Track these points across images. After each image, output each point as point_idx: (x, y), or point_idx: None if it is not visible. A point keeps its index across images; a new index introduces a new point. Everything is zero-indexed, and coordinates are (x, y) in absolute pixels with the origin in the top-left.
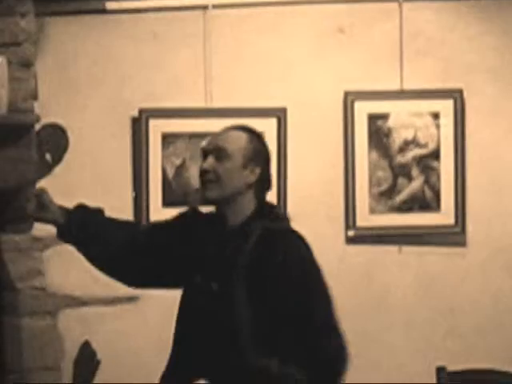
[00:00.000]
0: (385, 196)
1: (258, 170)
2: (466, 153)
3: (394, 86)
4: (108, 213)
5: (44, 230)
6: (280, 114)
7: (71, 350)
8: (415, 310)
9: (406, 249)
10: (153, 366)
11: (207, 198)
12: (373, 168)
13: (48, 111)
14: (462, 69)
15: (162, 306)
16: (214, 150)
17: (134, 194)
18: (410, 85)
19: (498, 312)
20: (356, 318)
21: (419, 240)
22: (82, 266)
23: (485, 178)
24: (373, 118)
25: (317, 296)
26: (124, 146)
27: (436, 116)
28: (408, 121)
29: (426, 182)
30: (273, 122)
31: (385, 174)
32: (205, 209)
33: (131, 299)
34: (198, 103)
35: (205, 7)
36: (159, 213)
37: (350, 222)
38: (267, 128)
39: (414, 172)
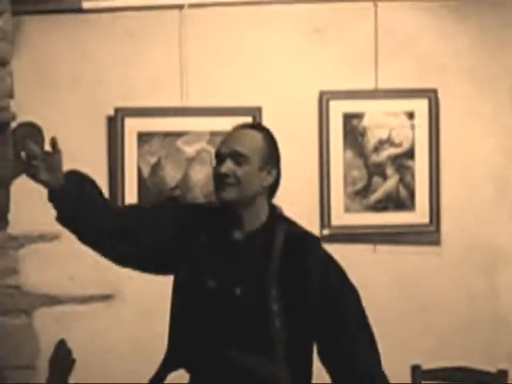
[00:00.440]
0: (360, 195)
1: (274, 172)
2: (440, 152)
3: (369, 85)
4: None
5: (19, 228)
6: (255, 113)
7: (46, 349)
8: (390, 309)
9: (381, 248)
10: (128, 364)
11: (224, 199)
12: (348, 167)
13: (24, 109)
14: (436, 68)
15: (136, 304)
16: (232, 153)
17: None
18: (384, 84)
19: (472, 310)
20: None
21: (394, 239)
22: (57, 265)
23: (459, 177)
24: (348, 118)
25: (349, 298)
26: (100, 144)
27: (411, 115)
28: (383, 120)
29: (401, 181)
30: (248, 120)
31: (360, 173)
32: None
33: (106, 298)
34: (174, 102)
35: (181, 6)
36: None
37: (325, 221)
38: None
39: (389, 171)
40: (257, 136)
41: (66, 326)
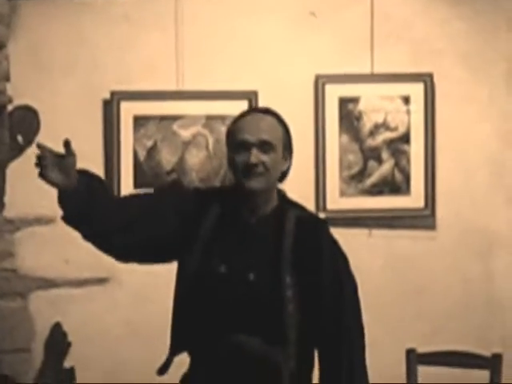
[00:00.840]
0: (355, 179)
1: (290, 158)
2: (435, 136)
3: (365, 69)
4: None
5: (15, 211)
6: (251, 97)
7: (42, 332)
8: (385, 293)
9: (376, 232)
10: (123, 346)
11: (253, 189)
12: (343, 151)
13: (20, 93)
14: (432, 53)
15: (131, 288)
16: (259, 142)
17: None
18: (380, 68)
19: (466, 294)
20: None
21: (389, 223)
22: (52, 248)
23: (454, 161)
24: (343, 102)
25: (350, 284)
26: (96, 128)
27: (406, 100)
28: (378, 104)
29: (396, 165)
30: (244, 104)
31: (355, 157)
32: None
33: (101, 281)
34: (170, 86)
35: None
36: None
37: (320, 205)
38: (238, 111)
39: (385, 155)
40: (275, 122)
41: (62, 309)
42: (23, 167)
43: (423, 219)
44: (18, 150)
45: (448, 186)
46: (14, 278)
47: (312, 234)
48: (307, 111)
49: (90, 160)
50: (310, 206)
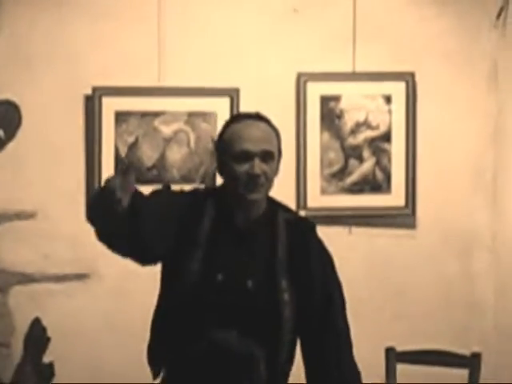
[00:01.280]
0: (336, 177)
1: (279, 163)
2: (417, 135)
3: (347, 67)
4: (60, 191)
5: None
6: (233, 94)
7: (21, 327)
8: (364, 291)
9: (357, 230)
10: (102, 342)
11: (252, 200)
12: (324, 149)
13: (1, 88)
14: (414, 52)
15: (111, 283)
16: (262, 153)
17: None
18: (362, 67)
19: (446, 293)
20: None
21: (369, 221)
22: (32, 244)
23: (435, 160)
24: (325, 100)
25: (336, 286)
26: (77, 123)
27: (388, 98)
28: (360, 103)
29: (377, 163)
30: (225, 101)
31: (336, 156)
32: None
33: (81, 276)
34: (152, 82)
35: None
36: None
37: (301, 203)
38: (220, 108)
39: (366, 154)
40: (270, 129)
41: (41, 304)
42: (3, 162)
43: (403, 218)
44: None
45: (429, 185)
46: None
47: (301, 237)
48: (289, 109)
49: (72, 155)
50: (291, 203)
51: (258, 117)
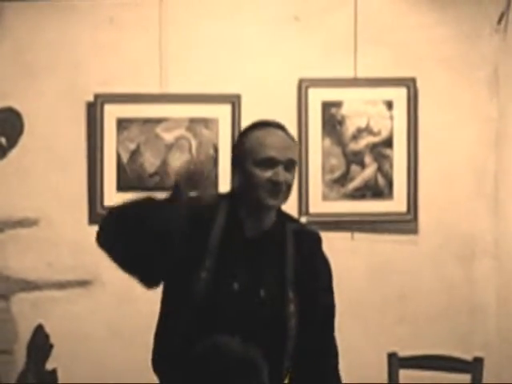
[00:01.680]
0: (338, 183)
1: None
2: (418, 141)
3: (348, 73)
4: (62, 198)
5: None
6: (234, 101)
7: (24, 334)
8: (367, 297)
9: (359, 235)
10: (105, 349)
11: (271, 206)
12: (326, 155)
13: (3, 95)
14: (415, 57)
15: (113, 290)
16: (286, 161)
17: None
18: (363, 73)
19: (448, 299)
20: None
21: (371, 227)
22: (35, 251)
23: (437, 166)
24: (327, 106)
25: (331, 298)
26: (79, 130)
27: (389, 104)
28: (361, 108)
29: (379, 169)
30: (227, 108)
31: (338, 162)
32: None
33: (83, 283)
34: (153, 89)
35: None
36: (113, 197)
37: (303, 209)
38: (221, 114)
39: (367, 159)
40: (290, 138)
41: (44, 311)
42: (6, 170)
43: (405, 224)
44: (1, 153)
45: (430, 191)
46: None
47: (308, 249)
48: (290, 115)
49: (74, 162)
50: (293, 209)
51: (278, 126)
